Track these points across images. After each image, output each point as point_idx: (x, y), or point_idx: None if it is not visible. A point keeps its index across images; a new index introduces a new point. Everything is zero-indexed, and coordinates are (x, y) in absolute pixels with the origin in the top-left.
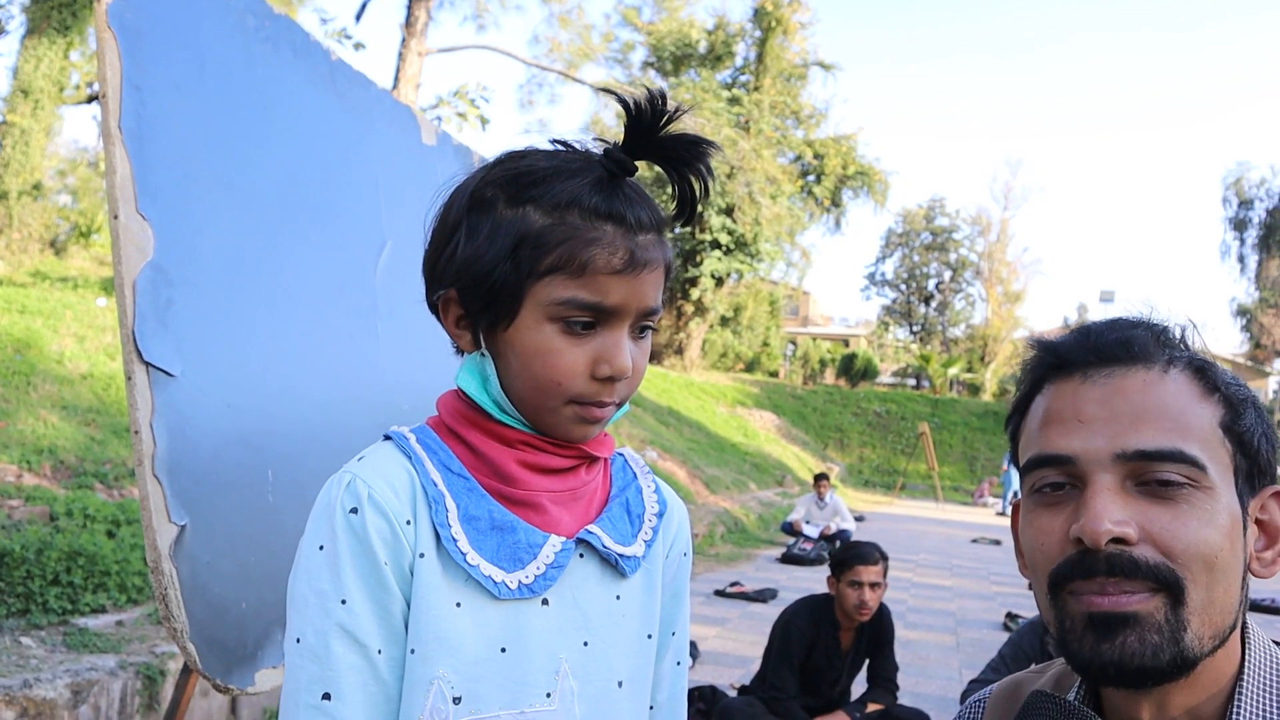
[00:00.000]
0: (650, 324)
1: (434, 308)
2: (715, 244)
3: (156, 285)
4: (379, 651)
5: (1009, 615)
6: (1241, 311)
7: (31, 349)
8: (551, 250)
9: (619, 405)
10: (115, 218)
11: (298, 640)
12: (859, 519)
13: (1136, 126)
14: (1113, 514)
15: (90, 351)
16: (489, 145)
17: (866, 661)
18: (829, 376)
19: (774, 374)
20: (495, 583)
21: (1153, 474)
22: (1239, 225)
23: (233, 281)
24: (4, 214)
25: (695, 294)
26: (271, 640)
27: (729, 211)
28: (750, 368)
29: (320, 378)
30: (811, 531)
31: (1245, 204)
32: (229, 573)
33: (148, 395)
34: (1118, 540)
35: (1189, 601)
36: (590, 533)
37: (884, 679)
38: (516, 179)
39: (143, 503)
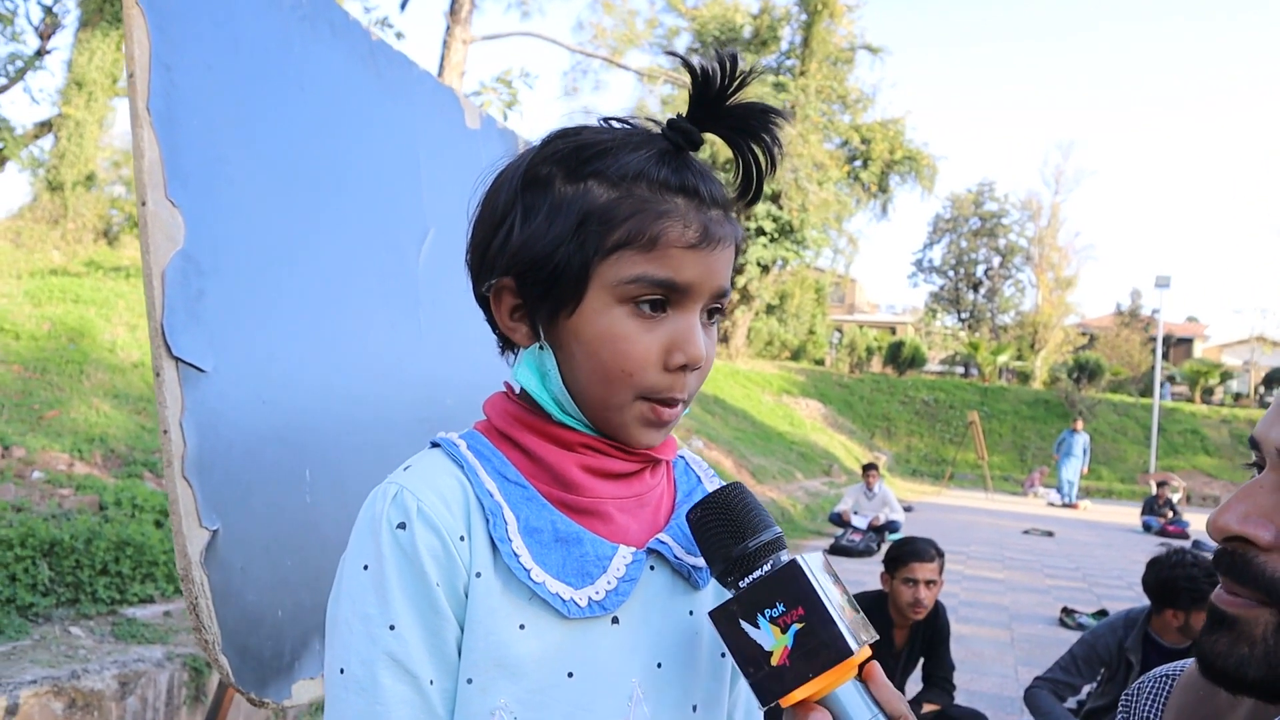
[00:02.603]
0: (720, 307)
1: (483, 300)
2: (761, 231)
3: (187, 275)
4: (431, 682)
5: (1065, 610)
6: None
7: (84, 338)
8: (620, 224)
9: (687, 403)
10: (143, 204)
11: (341, 671)
12: (907, 509)
13: (1194, 107)
14: (1239, 510)
15: (141, 340)
16: (534, 131)
17: (921, 660)
18: (876, 364)
19: (820, 362)
20: (563, 600)
21: None
22: None
23: (268, 271)
24: (59, 205)
25: (741, 282)
26: (309, 650)
27: (775, 198)
28: (796, 356)
29: (360, 371)
30: (860, 522)
31: None
32: (264, 579)
33: (177, 392)
34: (1240, 539)
35: None
36: (661, 542)
37: (940, 678)
38: (575, 152)
39: (172, 506)
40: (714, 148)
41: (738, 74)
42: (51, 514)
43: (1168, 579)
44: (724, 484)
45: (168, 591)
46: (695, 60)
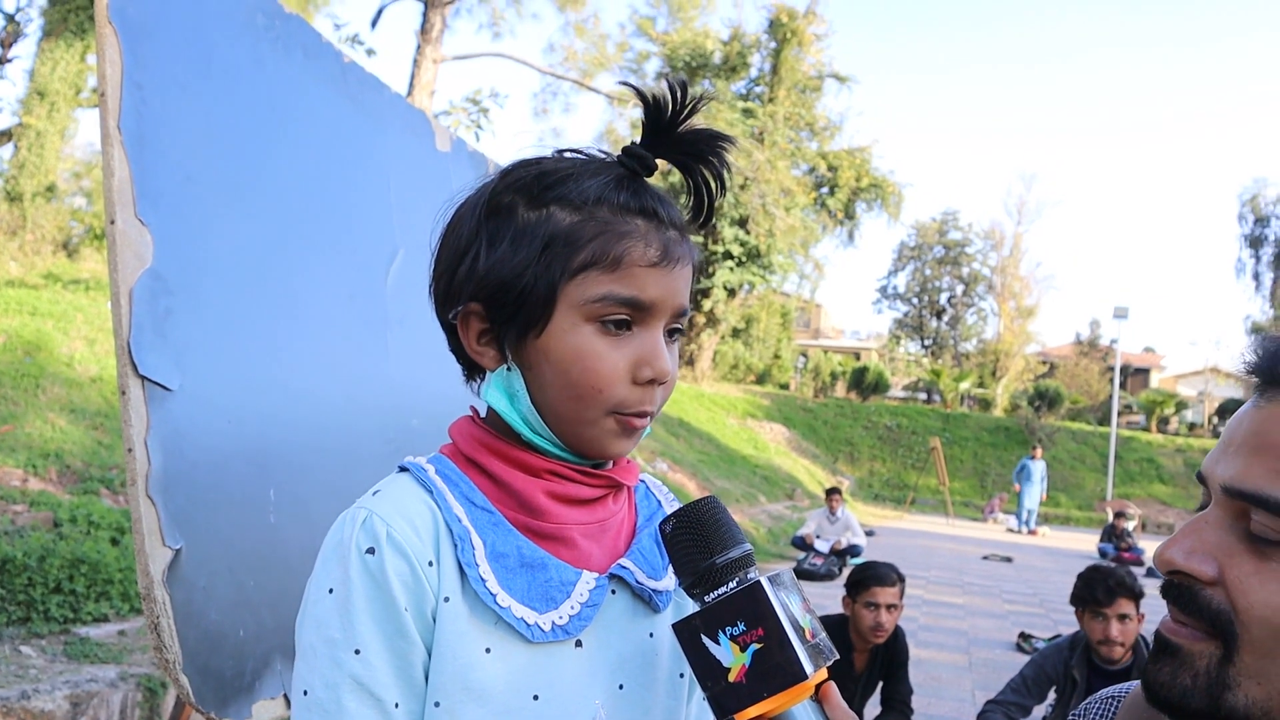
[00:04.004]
0: (680, 326)
1: (449, 328)
2: (728, 255)
3: (155, 294)
4: (396, 705)
5: (1022, 635)
6: (1256, 329)
7: (41, 351)
8: (584, 246)
9: (654, 415)
10: (112, 223)
11: (305, 693)
12: (869, 533)
13: (1152, 141)
14: (1184, 545)
15: (100, 355)
16: (505, 153)
17: (880, 683)
18: (840, 389)
19: (785, 386)
20: (528, 625)
21: (1249, 518)
22: (1255, 242)
23: (236, 290)
24: (18, 216)
25: (707, 305)
26: (270, 669)
27: (742, 223)
28: (761, 380)
29: (327, 391)
30: (822, 546)
31: (1261, 221)
32: (226, 598)
33: (143, 411)
34: (1184, 573)
35: (1239, 662)
36: (623, 567)
37: (898, 702)
38: (537, 180)
39: (135, 525)
40: (670, 176)
41: (688, 101)
42: (4, 530)
43: (1077, 579)
44: (700, 498)
45: (123, 610)
46: (647, 89)
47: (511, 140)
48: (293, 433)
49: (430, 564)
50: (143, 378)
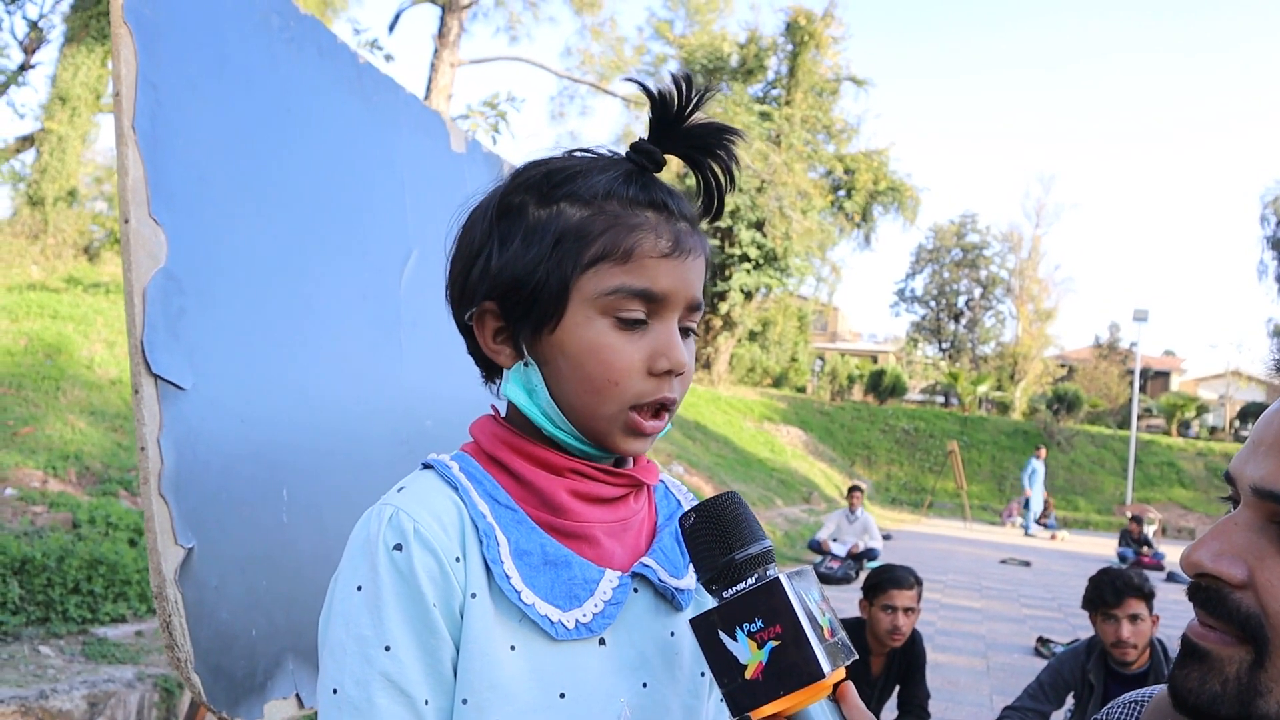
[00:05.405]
0: (693, 325)
1: (465, 329)
2: (745, 258)
3: (168, 293)
4: (426, 702)
5: (1040, 640)
6: (1278, 333)
7: (62, 354)
8: (595, 240)
9: (673, 411)
10: (126, 222)
11: (334, 691)
12: (886, 537)
13: (1173, 143)
14: (1212, 547)
15: (120, 357)
16: (522, 156)
17: (897, 688)
18: (857, 393)
19: (802, 389)
20: (552, 623)
21: None
22: (1277, 245)
23: (249, 290)
24: (40, 220)
25: (724, 308)
26: (282, 669)
27: (759, 226)
28: (778, 383)
29: (340, 391)
30: (839, 549)
31: None
32: (238, 597)
33: (155, 410)
34: (1212, 576)
35: (1271, 668)
36: (645, 565)
37: (915, 706)
38: (546, 179)
39: (148, 524)
40: (686, 179)
41: (693, 96)
42: (23, 531)
43: (1087, 584)
44: (721, 492)
45: (140, 611)
46: (652, 84)
47: (529, 143)
48: (306, 433)
49: (457, 560)
50: (156, 376)
